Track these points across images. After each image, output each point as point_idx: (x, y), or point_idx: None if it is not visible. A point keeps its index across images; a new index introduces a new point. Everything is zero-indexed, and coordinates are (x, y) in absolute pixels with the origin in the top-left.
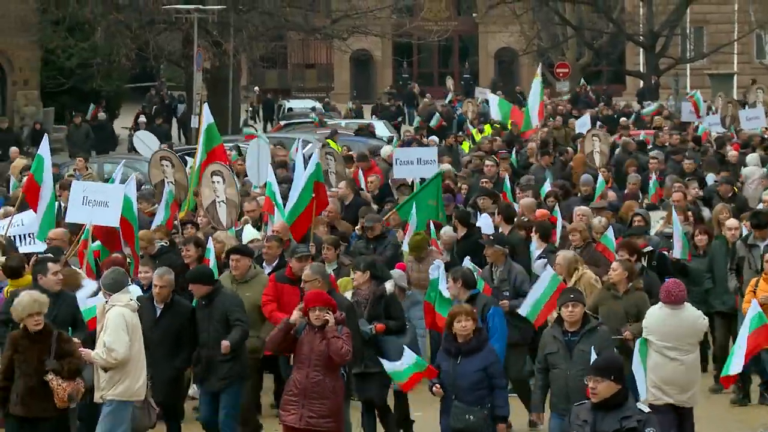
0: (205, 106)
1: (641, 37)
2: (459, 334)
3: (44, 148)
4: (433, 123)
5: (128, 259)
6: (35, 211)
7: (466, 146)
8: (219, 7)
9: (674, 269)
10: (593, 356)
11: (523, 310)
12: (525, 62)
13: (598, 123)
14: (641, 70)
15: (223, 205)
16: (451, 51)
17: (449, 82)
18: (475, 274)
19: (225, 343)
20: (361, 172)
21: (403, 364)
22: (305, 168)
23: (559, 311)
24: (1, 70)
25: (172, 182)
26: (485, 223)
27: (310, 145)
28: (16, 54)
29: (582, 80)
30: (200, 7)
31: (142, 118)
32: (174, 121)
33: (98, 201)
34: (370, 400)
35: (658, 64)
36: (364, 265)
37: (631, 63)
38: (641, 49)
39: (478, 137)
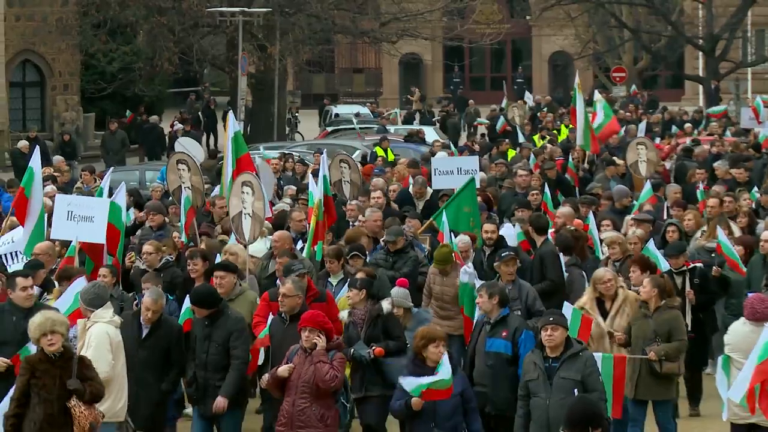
0: (230, 114)
1: (700, 40)
2: (432, 359)
3: (35, 160)
4: (497, 126)
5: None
6: (23, 226)
7: (511, 154)
8: (265, 9)
9: (716, 283)
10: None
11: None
12: (580, 66)
13: (674, 127)
14: (700, 74)
15: (249, 218)
16: (503, 55)
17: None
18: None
19: (220, 402)
20: (411, 180)
21: (430, 379)
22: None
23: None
24: (41, 75)
25: (188, 187)
26: (508, 234)
27: (357, 152)
28: (56, 58)
29: (633, 86)
30: (245, 9)
31: (178, 125)
32: (216, 127)
33: (84, 216)
34: (369, 425)
35: (718, 68)
36: (360, 283)
37: (690, 67)
38: (700, 53)
39: (540, 143)
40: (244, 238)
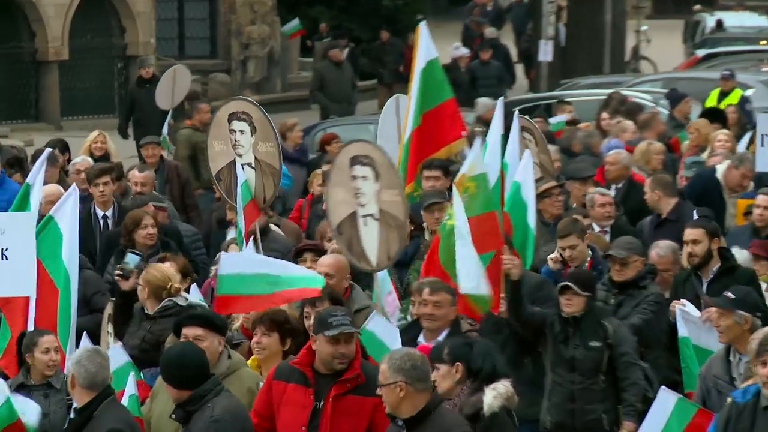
0: (422, 26)
1: None
2: None
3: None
4: None
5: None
6: None
7: None
8: None
9: None
10: None
11: None
12: None
13: None
14: None
15: (373, 222)
16: None
17: None
18: None
19: None
20: None
21: None
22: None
23: None
24: None
25: (249, 163)
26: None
27: (751, 91)
28: None
29: None
30: None
31: (462, 49)
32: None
33: None
34: None
35: None
36: (450, 353)
37: None
38: None
39: None
40: (368, 261)
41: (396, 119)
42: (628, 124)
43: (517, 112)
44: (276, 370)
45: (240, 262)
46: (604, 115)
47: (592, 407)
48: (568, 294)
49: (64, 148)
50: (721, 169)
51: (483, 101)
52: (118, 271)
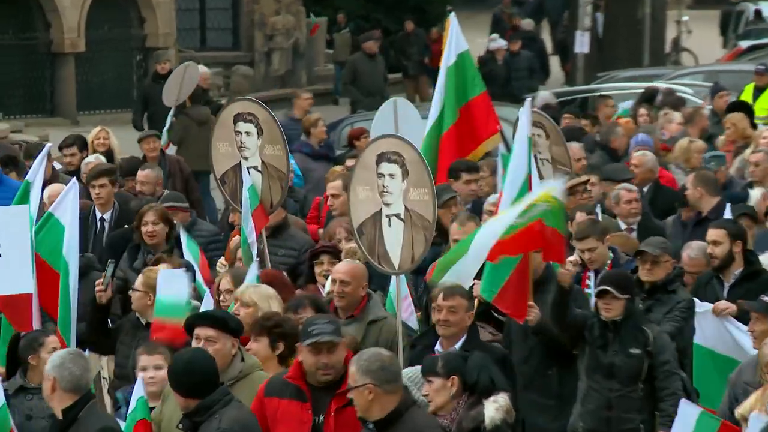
0: (452, 17)
1: None
2: None
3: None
4: None
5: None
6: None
7: None
8: None
9: None
10: None
11: None
12: None
13: None
14: None
15: (398, 222)
16: None
17: None
18: None
19: None
20: None
21: None
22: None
23: None
24: None
25: (256, 167)
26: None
27: None
28: None
29: None
30: None
31: (499, 41)
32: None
33: None
34: None
35: None
36: (444, 366)
37: None
38: None
39: None
40: (390, 263)
41: (393, 123)
42: (676, 115)
43: None
44: (266, 387)
45: (175, 282)
46: (642, 110)
47: (630, 416)
48: (606, 298)
49: (83, 145)
50: (755, 196)
51: (542, 95)
52: (99, 286)
